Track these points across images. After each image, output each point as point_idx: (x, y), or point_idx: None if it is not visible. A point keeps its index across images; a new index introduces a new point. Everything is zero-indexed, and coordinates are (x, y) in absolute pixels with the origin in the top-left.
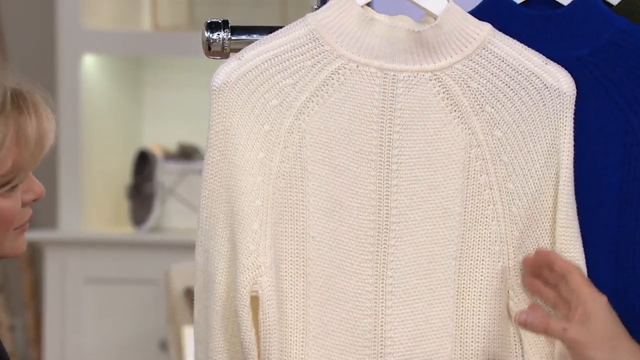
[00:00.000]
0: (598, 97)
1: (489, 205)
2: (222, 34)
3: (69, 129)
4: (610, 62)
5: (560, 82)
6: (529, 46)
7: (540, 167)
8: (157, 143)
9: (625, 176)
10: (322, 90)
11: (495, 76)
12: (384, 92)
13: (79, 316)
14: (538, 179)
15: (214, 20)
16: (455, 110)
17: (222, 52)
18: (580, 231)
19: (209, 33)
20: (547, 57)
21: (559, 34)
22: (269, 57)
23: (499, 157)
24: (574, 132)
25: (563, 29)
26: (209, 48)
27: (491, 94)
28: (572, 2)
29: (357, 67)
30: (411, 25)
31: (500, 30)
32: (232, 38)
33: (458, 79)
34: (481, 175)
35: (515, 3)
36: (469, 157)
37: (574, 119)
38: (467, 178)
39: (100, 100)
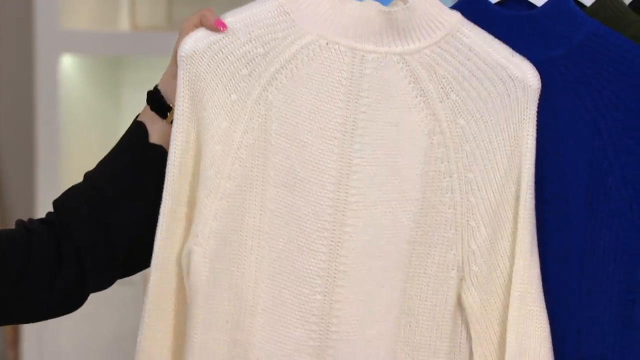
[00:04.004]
0: (569, 99)
1: (447, 193)
2: None
3: (47, 129)
4: (581, 64)
5: (525, 74)
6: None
7: (501, 158)
8: None
9: (591, 180)
10: (291, 63)
11: (462, 64)
12: (352, 71)
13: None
14: (498, 170)
15: None
16: (420, 95)
17: None
18: (550, 234)
19: None
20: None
21: (533, 34)
22: (240, 26)
23: (461, 145)
24: (546, 133)
25: (537, 30)
26: None
27: (457, 82)
28: (545, 3)
29: (327, 44)
30: (381, 7)
31: None
32: None
33: (425, 64)
34: (442, 163)
35: (490, 3)
36: (431, 143)
37: (547, 121)
38: (428, 164)
39: (78, 100)
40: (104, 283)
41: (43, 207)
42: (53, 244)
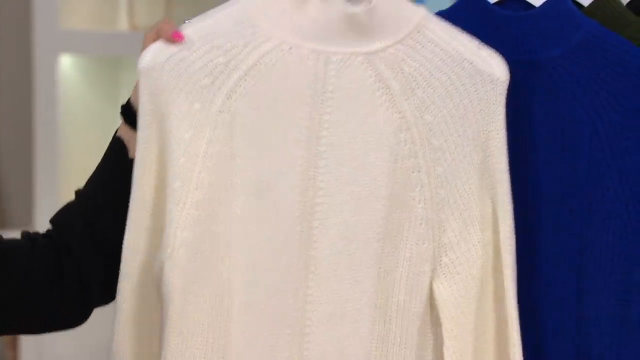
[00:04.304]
0: (566, 100)
1: (416, 188)
2: None
3: (45, 129)
4: (579, 64)
5: (492, 67)
6: (502, 46)
7: (471, 151)
8: None
9: (589, 181)
10: (254, 70)
11: (428, 60)
12: (316, 74)
13: None
14: (468, 163)
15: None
16: (386, 94)
17: None
18: (548, 235)
19: None
20: (519, 58)
21: (531, 34)
22: (200, 36)
23: (429, 140)
24: (544, 134)
25: (535, 30)
26: None
27: (423, 78)
28: (544, 3)
29: (290, 48)
30: (345, 6)
31: (474, 29)
32: None
33: (390, 62)
34: (409, 159)
35: (489, 3)
36: (398, 140)
37: (544, 121)
38: (396, 161)
39: (77, 100)
40: (107, 296)
41: (42, 207)
42: (54, 254)
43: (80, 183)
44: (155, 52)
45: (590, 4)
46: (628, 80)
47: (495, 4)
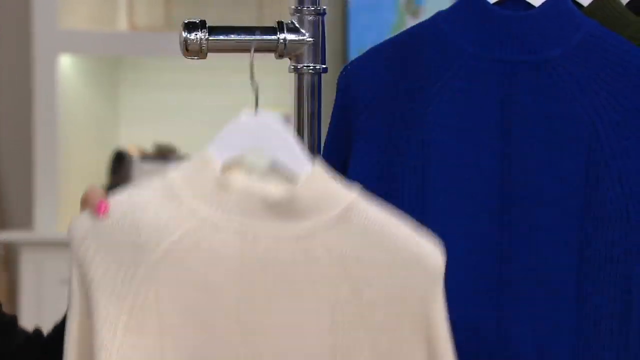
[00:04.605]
0: (566, 100)
1: (362, 354)
2: (200, 34)
3: (45, 129)
4: (579, 64)
5: (427, 252)
6: (502, 46)
7: (411, 329)
8: (134, 143)
9: (588, 181)
10: (177, 247)
11: (361, 240)
12: (243, 251)
13: (55, 318)
14: (408, 341)
15: (192, 20)
16: (318, 273)
17: (200, 52)
18: (546, 236)
19: (186, 33)
20: (519, 58)
21: (531, 34)
22: (124, 209)
23: (372, 316)
24: (543, 135)
25: (535, 30)
26: (187, 48)
27: (356, 257)
28: (544, 3)
29: (215, 225)
30: (265, 193)
31: (474, 29)
32: (210, 38)
33: (321, 242)
34: (350, 333)
35: (489, 3)
36: (335, 318)
37: (543, 121)
38: (336, 335)
39: (76, 100)
40: None
41: (42, 207)
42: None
43: (80, 183)
44: (81, 223)
45: (590, 4)
46: (628, 80)
47: (495, 4)
